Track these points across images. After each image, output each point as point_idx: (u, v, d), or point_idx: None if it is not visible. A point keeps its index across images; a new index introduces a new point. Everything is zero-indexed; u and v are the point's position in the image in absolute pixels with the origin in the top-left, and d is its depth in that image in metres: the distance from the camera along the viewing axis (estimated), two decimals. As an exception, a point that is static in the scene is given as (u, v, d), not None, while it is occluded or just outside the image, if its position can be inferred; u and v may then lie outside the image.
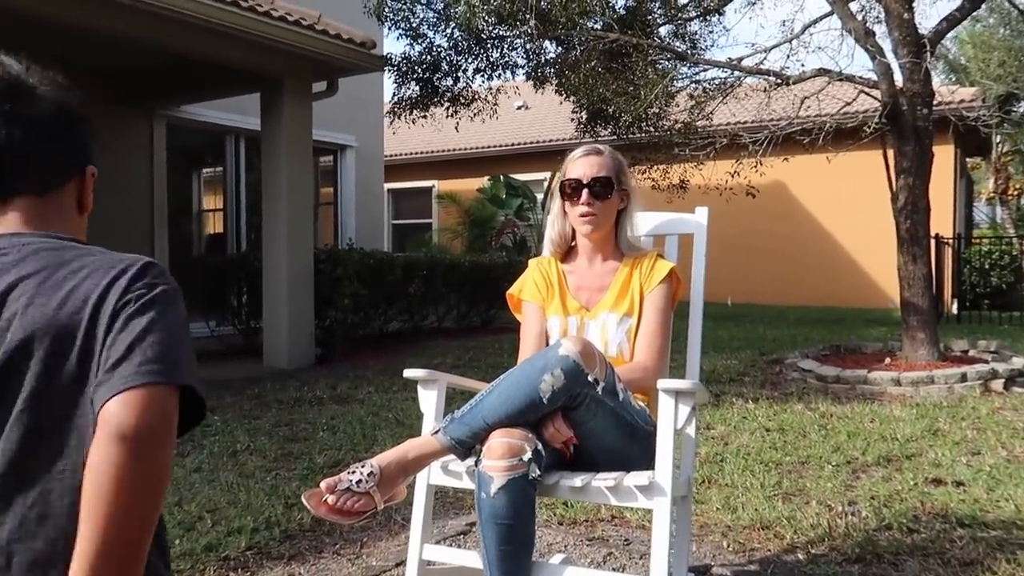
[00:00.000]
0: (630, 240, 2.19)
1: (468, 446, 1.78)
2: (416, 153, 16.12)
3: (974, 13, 7.29)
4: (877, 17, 6.97)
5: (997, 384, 5.32)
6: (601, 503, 2.09)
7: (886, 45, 5.93)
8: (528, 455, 1.69)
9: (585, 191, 2.10)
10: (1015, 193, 23.06)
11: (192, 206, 9.33)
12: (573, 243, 2.25)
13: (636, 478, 1.73)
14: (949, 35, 7.82)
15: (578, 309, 2.14)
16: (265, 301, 6.67)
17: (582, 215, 2.12)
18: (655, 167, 8.35)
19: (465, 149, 15.57)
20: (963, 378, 5.32)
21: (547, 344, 2.22)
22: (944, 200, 11.41)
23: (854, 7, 6.74)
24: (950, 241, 11.13)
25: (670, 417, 1.75)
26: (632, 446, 1.89)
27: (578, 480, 1.75)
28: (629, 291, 2.12)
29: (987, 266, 11.65)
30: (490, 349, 7.24)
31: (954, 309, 11.27)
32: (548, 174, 13.24)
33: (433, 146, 15.77)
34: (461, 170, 15.69)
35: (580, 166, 2.14)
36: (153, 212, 8.23)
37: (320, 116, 7.32)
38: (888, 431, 4.15)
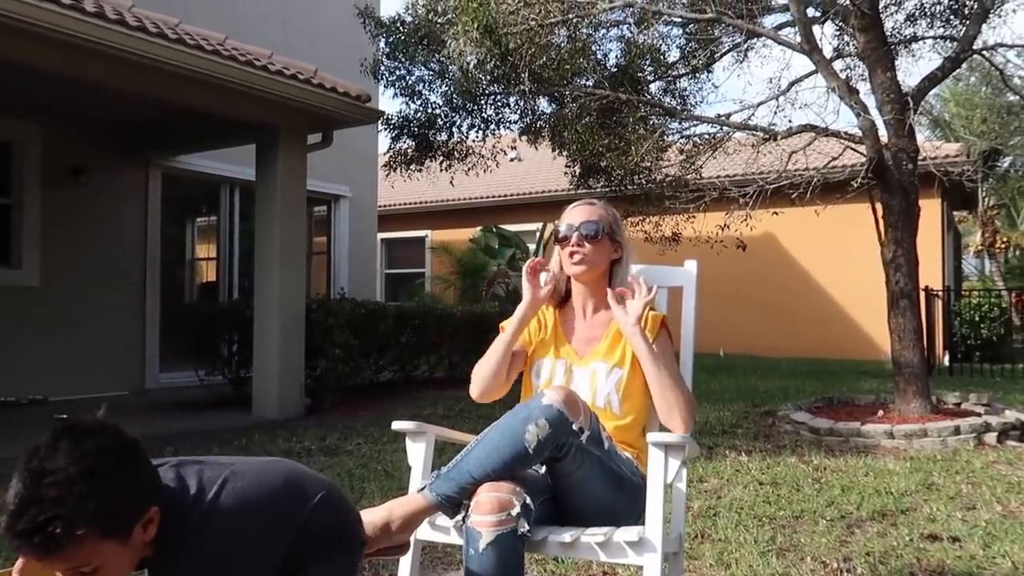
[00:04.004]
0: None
1: (456, 502, 1.75)
2: (410, 203, 16.27)
3: (956, 72, 7.49)
4: (861, 75, 7.14)
5: (990, 437, 5.30)
6: (591, 559, 2.05)
7: (870, 102, 6.07)
8: (517, 509, 1.67)
9: (575, 234, 2.15)
10: (1002, 246, 23.34)
11: (185, 254, 9.36)
12: (568, 296, 2.27)
13: (626, 534, 1.70)
14: (933, 93, 8.02)
15: (569, 353, 2.15)
16: (256, 350, 6.63)
17: (571, 255, 2.15)
18: (647, 220, 8.43)
19: (459, 200, 15.72)
20: (956, 431, 5.30)
21: (522, 378, 2.23)
22: (933, 253, 11.53)
23: (838, 65, 6.92)
24: (940, 294, 11.21)
25: (660, 471, 1.73)
26: (620, 498, 1.86)
27: (567, 535, 1.72)
28: (621, 342, 2.12)
29: (977, 318, 11.71)
30: (482, 400, 7.18)
31: (946, 361, 11.28)
32: (541, 224, 13.34)
33: (427, 196, 15.92)
34: (455, 220, 15.82)
35: (572, 215, 2.20)
36: (146, 260, 8.25)
37: (315, 167, 7.41)
38: (882, 485, 4.11)
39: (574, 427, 1.75)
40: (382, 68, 7.80)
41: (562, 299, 2.28)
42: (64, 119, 7.35)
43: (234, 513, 1.34)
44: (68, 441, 1.19)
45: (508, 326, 2.16)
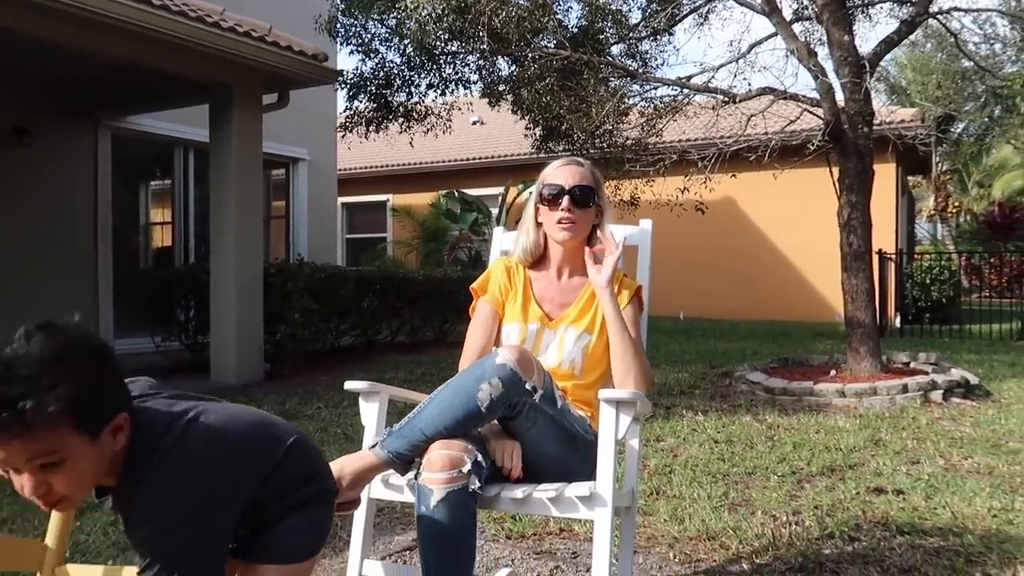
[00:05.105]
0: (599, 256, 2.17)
1: (407, 459, 1.75)
2: (371, 167, 16.04)
3: (913, 38, 7.59)
4: (820, 39, 7.18)
5: (936, 395, 5.47)
6: (544, 515, 2.08)
7: (828, 66, 6.11)
8: (468, 467, 1.67)
9: (566, 197, 2.10)
10: (954, 211, 23.96)
11: (139, 219, 9.12)
12: (542, 256, 2.23)
13: (577, 489, 1.72)
14: (890, 58, 8.11)
15: (540, 317, 2.12)
16: (213, 315, 6.53)
17: (560, 221, 2.10)
18: (607, 183, 8.44)
19: (421, 163, 15.55)
20: (904, 389, 5.46)
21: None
22: (887, 217, 11.77)
23: (797, 28, 6.95)
24: (893, 257, 11.46)
25: (611, 427, 1.75)
26: (573, 455, 1.88)
27: (519, 491, 1.74)
28: (592, 307, 2.12)
29: (928, 281, 12.02)
30: (443, 363, 7.20)
31: (897, 323, 11.59)
32: (503, 188, 13.28)
33: (388, 160, 15.71)
34: (417, 184, 15.66)
35: (561, 174, 2.14)
36: (97, 225, 8.02)
37: (272, 129, 7.23)
38: (832, 441, 4.23)
39: (527, 386, 1.75)
40: (338, 24, 7.61)
41: (536, 259, 2.23)
42: (4, 77, 7.04)
43: (207, 441, 1.32)
44: (41, 334, 1.16)
45: None
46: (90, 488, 1.26)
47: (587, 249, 2.10)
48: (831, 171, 6.31)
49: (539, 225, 2.19)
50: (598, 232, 2.16)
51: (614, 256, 2.04)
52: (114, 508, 1.34)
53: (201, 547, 1.30)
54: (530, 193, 2.28)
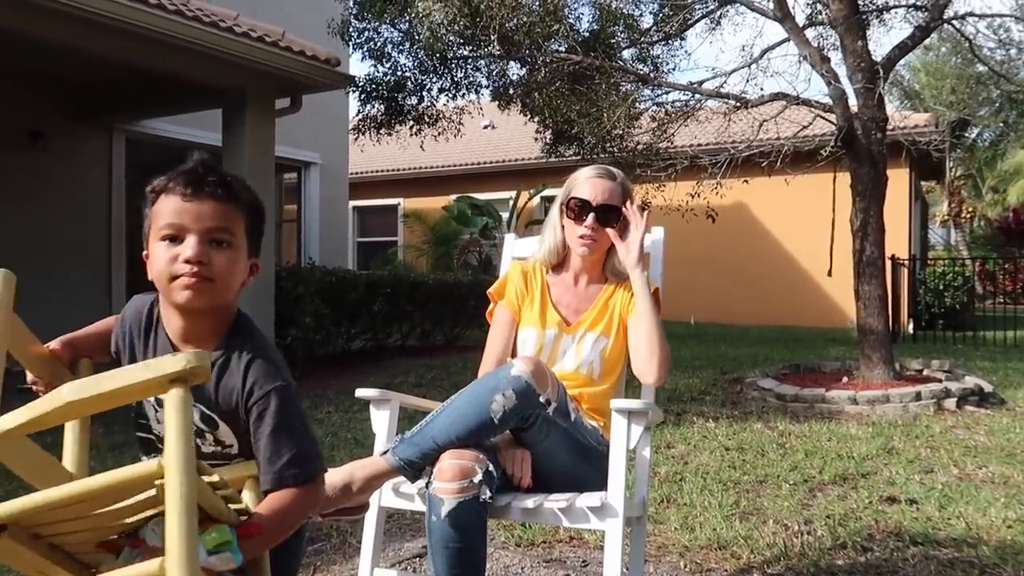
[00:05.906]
0: (617, 268, 2.16)
1: (418, 467, 1.75)
2: (382, 171, 16.09)
3: (927, 43, 7.54)
4: (833, 44, 7.15)
5: (950, 403, 5.42)
6: (556, 525, 2.08)
7: (841, 71, 6.08)
8: (479, 477, 1.67)
9: (591, 215, 2.07)
10: (968, 216, 23.78)
11: (152, 222, 9.17)
12: (562, 261, 2.22)
13: (588, 499, 1.72)
14: (903, 63, 8.08)
15: (558, 323, 2.12)
16: (224, 319, 6.55)
17: (582, 237, 2.08)
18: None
19: (432, 167, 15.58)
20: (917, 397, 5.41)
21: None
22: (900, 222, 11.69)
23: (810, 34, 6.92)
24: (906, 262, 11.38)
25: (623, 437, 1.75)
26: (585, 467, 1.88)
27: (530, 502, 1.73)
28: (609, 310, 2.12)
29: (942, 287, 11.93)
30: (453, 368, 7.20)
31: (910, 329, 11.50)
32: (514, 193, 13.29)
33: (399, 164, 15.75)
34: (428, 188, 15.69)
35: (591, 187, 2.10)
36: (111, 230, 8.07)
37: (285, 133, 7.26)
38: (844, 449, 4.20)
39: (541, 399, 1.75)
40: (350, 29, 7.64)
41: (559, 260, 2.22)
42: (20, 80, 7.11)
43: None
44: None
45: None
46: (232, 292, 1.34)
47: (611, 231, 2.09)
48: (835, 178, 6.28)
49: (563, 228, 2.18)
50: (624, 208, 2.13)
51: (639, 231, 2.06)
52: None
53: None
54: (542, 198, 2.28)
